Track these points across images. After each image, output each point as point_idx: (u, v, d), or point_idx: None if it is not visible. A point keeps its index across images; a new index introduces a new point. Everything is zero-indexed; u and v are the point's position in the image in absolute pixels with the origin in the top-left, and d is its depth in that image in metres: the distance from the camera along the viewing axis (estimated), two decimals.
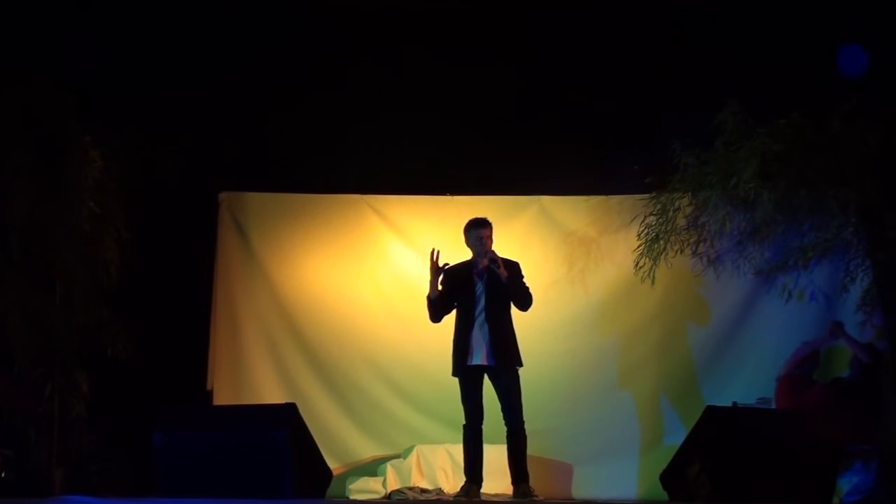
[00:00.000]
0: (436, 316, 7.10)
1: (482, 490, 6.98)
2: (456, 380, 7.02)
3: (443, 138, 8.12)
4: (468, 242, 7.08)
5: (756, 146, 7.24)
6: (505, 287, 6.90)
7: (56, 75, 7.30)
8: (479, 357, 6.90)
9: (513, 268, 7.03)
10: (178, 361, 8.03)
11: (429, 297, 7.05)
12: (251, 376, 8.34)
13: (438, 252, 7.01)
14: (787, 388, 7.75)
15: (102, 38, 7.83)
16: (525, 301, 7.02)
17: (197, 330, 8.29)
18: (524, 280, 7.07)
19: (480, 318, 6.93)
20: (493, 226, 7.11)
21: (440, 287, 7.05)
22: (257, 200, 8.57)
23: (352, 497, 7.84)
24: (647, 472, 7.82)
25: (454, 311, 7.12)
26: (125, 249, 7.61)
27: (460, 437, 7.04)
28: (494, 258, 6.92)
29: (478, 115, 8.21)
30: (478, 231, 7.03)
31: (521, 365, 6.97)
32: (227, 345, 8.38)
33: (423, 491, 7.76)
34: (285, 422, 6.60)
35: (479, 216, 7.13)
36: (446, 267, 7.02)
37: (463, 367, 6.93)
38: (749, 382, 8.01)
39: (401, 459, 8.07)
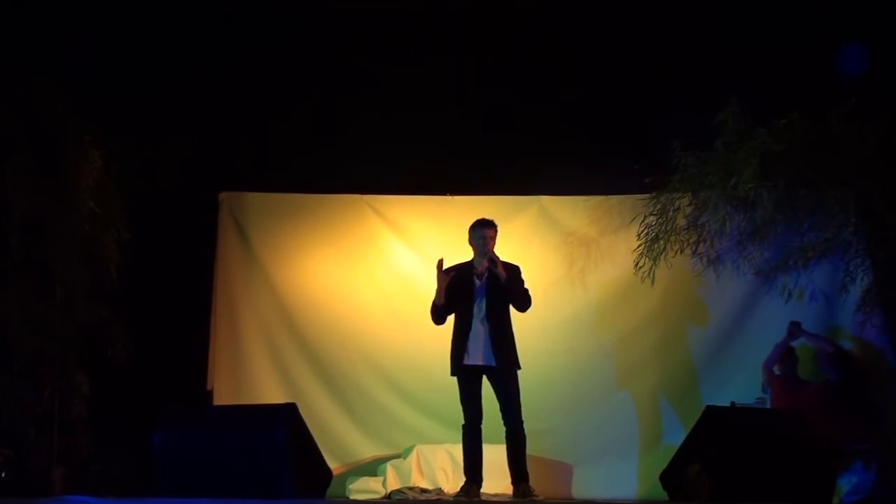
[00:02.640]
0: (439, 319, 7.09)
1: (482, 490, 6.98)
2: (456, 379, 7.02)
3: (443, 138, 8.13)
4: (471, 241, 7.09)
5: (756, 146, 7.24)
6: (504, 288, 6.91)
7: (56, 75, 7.30)
8: (477, 357, 6.90)
9: (513, 270, 7.03)
10: (178, 361, 8.03)
11: (435, 304, 7.04)
12: (251, 376, 8.34)
13: (442, 260, 6.99)
14: (782, 389, 7.75)
15: (102, 38, 7.82)
16: (523, 302, 7.02)
17: (197, 330, 8.29)
18: (524, 284, 7.07)
19: (480, 318, 6.93)
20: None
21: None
22: (257, 200, 8.57)
23: (352, 497, 7.84)
24: (647, 472, 7.82)
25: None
26: (125, 249, 7.61)
27: (460, 437, 7.04)
28: (493, 258, 6.93)
29: (478, 115, 8.21)
30: (481, 230, 7.04)
31: (518, 367, 6.96)
32: (227, 345, 8.38)
33: (423, 491, 7.76)
34: (285, 422, 6.59)
35: (485, 217, 7.14)
36: (451, 273, 7.00)
37: (460, 366, 6.93)
38: (748, 382, 8.02)
39: (401, 459, 8.07)
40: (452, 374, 6.99)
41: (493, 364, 6.87)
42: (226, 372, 8.35)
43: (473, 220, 7.16)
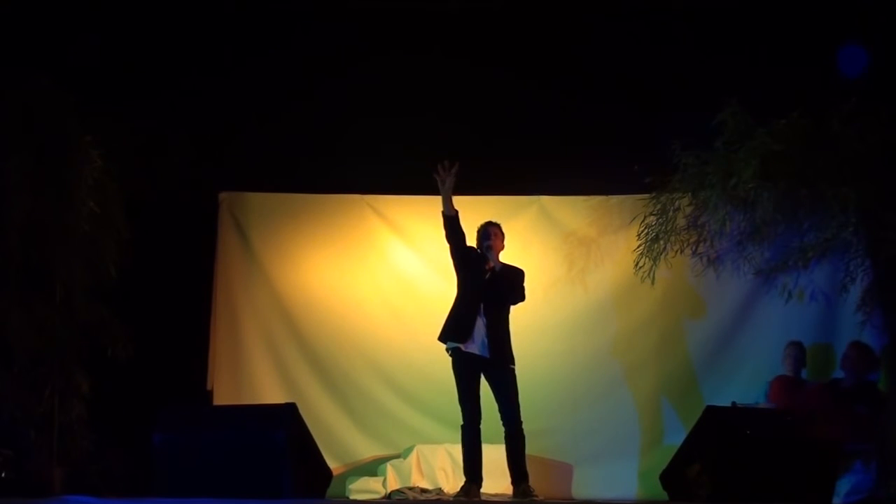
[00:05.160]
0: (453, 230, 7.00)
1: (482, 490, 6.98)
2: (455, 380, 7.01)
3: (443, 138, 8.11)
4: (478, 242, 7.11)
5: (756, 146, 7.23)
6: (500, 277, 6.92)
7: (56, 75, 7.30)
8: (474, 345, 6.91)
9: (516, 270, 7.09)
10: (178, 361, 8.03)
11: (450, 215, 6.99)
12: (251, 376, 8.34)
13: (448, 164, 6.97)
14: (781, 388, 7.75)
15: (102, 38, 7.83)
16: (515, 296, 7.05)
17: (197, 330, 8.29)
18: (523, 285, 7.10)
19: (480, 309, 6.94)
20: None
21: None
22: (257, 200, 8.57)
23: (352, 497, 7.84)
24: (647, 472, 7.82)
25: (453, 291, 7.13)
26: (125, 249, 7.60)
27: (460, 437, 7.03)
28: (490, 245, 6.98)
29: (478, 116, 8.21)
30: (485, 229, 7.12)
31: (513, 363, 6.97)
32: (227, 345, 8.38)
33: (423, 491, 7.77)
34: (285, 422, 6.59)
35: (485, 218, 7.20)
36: (470, 252, 7.03)
37: (458, 351, 6.94)
38: (749, 382, 8.02)
39: (401, 459, 8.07)
40: (440, 338, 6.99)
41: (490, 357, 6.89)
42: (226, 372, 8.35)
43: (473, 219, 7.19)
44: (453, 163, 6.99)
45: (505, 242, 7.17)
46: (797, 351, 7.82)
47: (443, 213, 7.03)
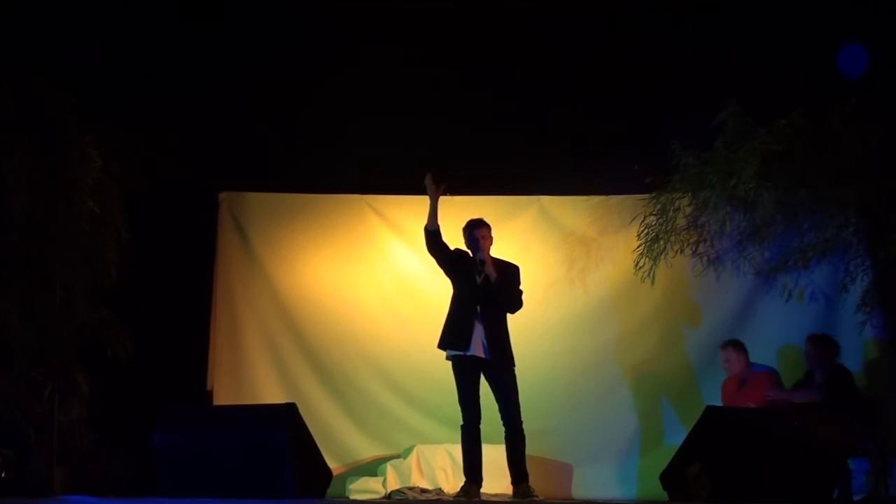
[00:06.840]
0: (434, 245, 7.02)
1: (482, 490, 6.99)
2: (454, 379, 7.01)
3: (443, 138, 8.12)
4: (467, 244, 7.10)
5: (756, 146, 7.23)
6: (495, 288, 6.91)
7: (56, 75, 7.30)
8: (474, 349, 6.91)
9: (512, 271, 7.07)
10: (178, 361, 8.03)
11: (431, 230, 7.00)
12: (251, 376, 8.35)
13: (433, 175, 6.99)
14: (725, 393, 7.71)
15: (103, 38, 7.83)
16: (512, 304, 7.04)
17: (197, 330, 8.29)
18: (520, 285, 7.09)
19: (477, 312, 6.93)
20: (493, 226, 7.17)
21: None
22: (257, 200, 8.57)
23: (352, 497, 7.84)
24: (647, 472, 7.82)
25: (450, 293, 7.13)
26: (125, 249, 7.61)
27: (460, 437, 7.03)
28: (483, 258, 6.96)
29: (478, 116, 8.21)
30: (472, 232, 7.10)
31: (513, 364, 6.97)
32: (227, 345, 8.39)
33: (423, 491, 7.77)
34: (285, 422, 6.60)
35: (477, 217, 7.18)
36: (456, 251, 7.02)
37: (457, 356, 6.93)
38: None
39: (401, 459, 8.07)
40: (440, 346, 6.99)
41: (490, 358, 6.89)
42: (226, 372, 8.35)
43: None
44: (439, 179, 6.95)
45: (494, 236, 7.12)
46: (730, 353, 7.74)
47: (426, 227, 7.02)
